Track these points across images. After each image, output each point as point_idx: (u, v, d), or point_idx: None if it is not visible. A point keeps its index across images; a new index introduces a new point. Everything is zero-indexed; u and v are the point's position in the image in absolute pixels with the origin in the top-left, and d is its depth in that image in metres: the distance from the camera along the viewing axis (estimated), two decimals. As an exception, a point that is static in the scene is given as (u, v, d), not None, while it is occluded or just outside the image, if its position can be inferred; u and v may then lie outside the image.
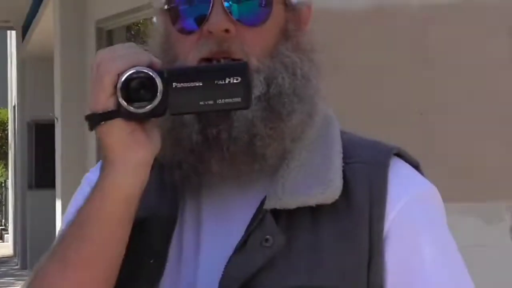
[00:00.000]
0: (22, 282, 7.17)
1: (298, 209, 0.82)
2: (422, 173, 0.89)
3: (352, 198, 0.83)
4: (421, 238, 0.83)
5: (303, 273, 0.80)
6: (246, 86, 0.78)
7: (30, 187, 9.45)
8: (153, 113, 0.77)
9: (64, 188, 6.17)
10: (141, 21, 5.56)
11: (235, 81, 0.78)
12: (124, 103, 0.75)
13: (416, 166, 0.88)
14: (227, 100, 0.78)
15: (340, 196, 0.82)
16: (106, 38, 5.77)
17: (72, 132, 5.97)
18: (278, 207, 0.81)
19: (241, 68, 0.80)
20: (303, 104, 0.85)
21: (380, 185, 0.83)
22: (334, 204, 0.82)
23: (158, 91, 0.76)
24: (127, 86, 0.75)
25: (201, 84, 0.78)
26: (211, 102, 0.78)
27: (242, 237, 0.82)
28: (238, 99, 0.78)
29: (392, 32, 2.75)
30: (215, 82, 0.78)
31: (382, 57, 2.72)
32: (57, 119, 6.43)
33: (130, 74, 0.75)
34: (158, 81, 0.76)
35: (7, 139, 13.18)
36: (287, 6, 0.89)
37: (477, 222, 2.74)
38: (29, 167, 9.54)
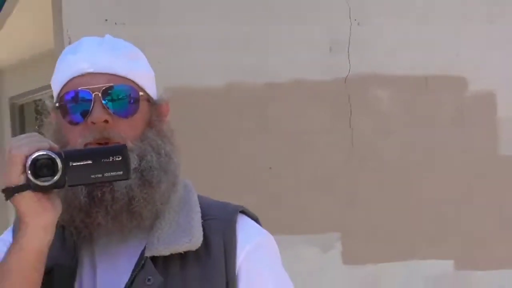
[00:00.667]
0: None
1: (171, 255, 0.98)
2: (260, 225, 1.09)
3: (210, 247, 1.01)
4: (263, 273, 1.03)
5: None
6: (126, 162, 0.93)
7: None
8: (55, 185, 0.91)
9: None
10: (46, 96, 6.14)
11: (117, 159, 0.93)
12: (32, 178, 0.88)
13: (256, 220, 1.09)
14: (112, 173, 0.92)
15: (201, 246, 0.99)
16: (19, 112, 6.43)
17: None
18: (155, 254, 0.98)
19: (121, 149, 0.94)
20: (167, 176, 1.01)
21: (231, 235, 1.02)
22: (197, 252, 0.99)
23: (59, 168, 0.89)
24: (34, 165, 0.88)
25: (91, 162, 0.92)
26: (100, 175, 0.92)
27: (129, 278, 0.98)
28: (120, 172, 0.92)
29: (241, 105, 3.29)
30: (102, 160, 0.92)
31: (234, 125, 3.27)
32: None
33: (36, 156, 0.88)
34: (58, 161, 0.89)
35: None
36: (150, 102, 1.05)
37: (315, 250, 3.36)
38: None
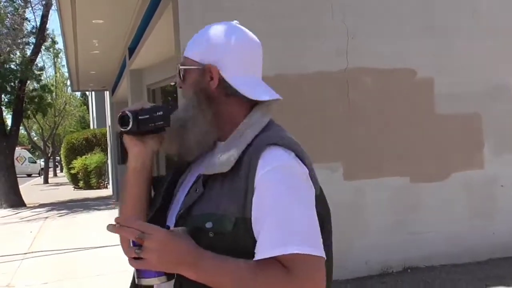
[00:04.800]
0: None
1: (216, 174, 1.23)
2: (298, 156, 1.23)
3: (241, 167, 1.21)
4: (270, 189, 1.17)
5: (213, 206, 1.22)
6: (165, 115, 1.30)
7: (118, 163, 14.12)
8: (129, 131, 1.27)
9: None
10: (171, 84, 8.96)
11: (159, 114, 1.29)
12: (119, 127, 1.27)
13: (292, 150, 1.22)
14: (158, 123, 1.30)
15: (236, 167, 1.21)
16: (152, 93, 9.51)
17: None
18: (205, 173, 1.25)
19: (161, 107, 1.31)
20: (196, 124, 1.30)
21: (255, 160, 1.20)
22: (232, 171, 1.21)
23: (130, 121, 1.26)
24: (120, 119, 1.28)
25: (148, 116, 1.29)
26: (152, 124, 1.29)
27: (189, 188, 1.29)
28: (162, 122, 1.29)
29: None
30: (154, 114, 1.29)
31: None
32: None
33: (120, 114, 1.28)
34: (130, 116, 1.26)
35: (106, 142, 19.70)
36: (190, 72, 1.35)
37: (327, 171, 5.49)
38: (117, 154, 14.48)
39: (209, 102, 1.31)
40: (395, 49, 5.57)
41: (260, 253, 1.15)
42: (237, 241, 1.18)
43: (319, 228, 1.19)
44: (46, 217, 12.38)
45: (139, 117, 1.29)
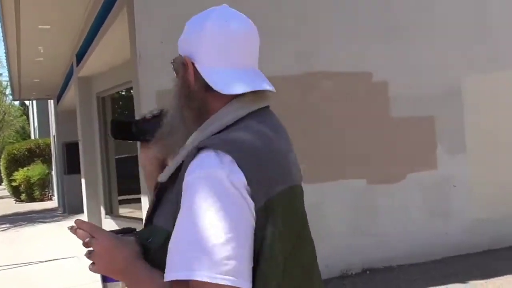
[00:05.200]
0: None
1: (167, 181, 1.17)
2: (240, 163, 1.04)
3: (179, 175, 1.11)
4: (184, 206, 1.04)
5: (159, 217, 1.19)
6: (141, 128, 1.36)
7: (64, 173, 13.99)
8: (113, 137, 1.38)
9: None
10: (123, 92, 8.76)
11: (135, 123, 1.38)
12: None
13: (231, 155, 1.04)
14: (130, 134, 1.39)
15: (178, 174, 1.11)
16: (102, 101, 9.30)
17: (89, 149, 9.79)
18: (159, 181, 1.19)
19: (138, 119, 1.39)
20: (165, 125, 1.25)
21: (185, 167, 1.08)
22: (177, 178, 1.11)
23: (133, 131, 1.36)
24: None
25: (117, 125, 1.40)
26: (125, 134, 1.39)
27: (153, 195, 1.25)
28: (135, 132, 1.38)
29: None
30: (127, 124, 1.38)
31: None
32: (80, 140, 9.90)
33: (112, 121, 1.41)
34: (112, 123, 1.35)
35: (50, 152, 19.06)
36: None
37: None
38: (63, 164, 14.10)
39: (190, 99, 1.19)
40: (353, 52, 5.65)
41: (165, 274, 1.04)
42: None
43: (235, 249, 0.99)
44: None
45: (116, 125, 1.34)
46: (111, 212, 9.57)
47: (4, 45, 9.70)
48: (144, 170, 1.40)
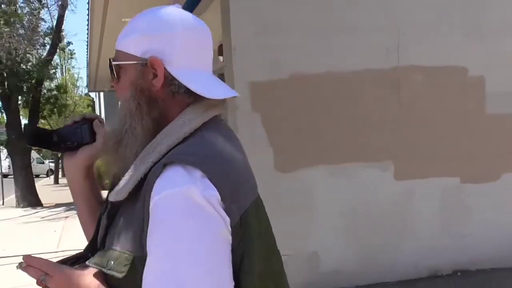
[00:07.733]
0: None
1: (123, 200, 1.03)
2: (210, 177, 0.95)
3: (140, 192, 0.99)
4: (153, 230, 0.93)
5: (114, 240, 1.04)
6: (62, 135, 1.24)
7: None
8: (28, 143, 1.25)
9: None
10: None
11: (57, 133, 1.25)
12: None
13: (200, 169, 0.95)
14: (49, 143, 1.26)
15: (140, 191, 0.99)
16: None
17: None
18: (111, 200, 1.06)
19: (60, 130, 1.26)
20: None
21: (151, 184, 0.96)
22: (135, 195, 1.01)
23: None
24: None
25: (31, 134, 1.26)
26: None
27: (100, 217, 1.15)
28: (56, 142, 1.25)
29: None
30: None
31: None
32: None
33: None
34: (26, 130, 1.26)
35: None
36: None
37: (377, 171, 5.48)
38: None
39: (150, 106, 1.07)
40: (445, 47, 5.50)
41: None
42: (139, 285, 0.94)
43: (212, 274, 0.92)
44: (66, 217, 12.32)
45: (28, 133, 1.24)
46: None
47: (87, 38, 10.03)
48: (71, 182, 1.26)
